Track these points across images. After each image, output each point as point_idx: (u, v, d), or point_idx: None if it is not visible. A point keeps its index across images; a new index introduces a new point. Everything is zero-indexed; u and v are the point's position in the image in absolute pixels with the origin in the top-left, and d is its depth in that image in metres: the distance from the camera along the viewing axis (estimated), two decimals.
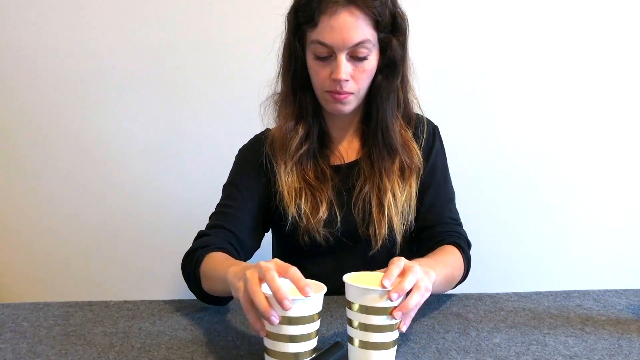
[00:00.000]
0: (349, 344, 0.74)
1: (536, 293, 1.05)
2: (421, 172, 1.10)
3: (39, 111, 1.62)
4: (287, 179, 1.06)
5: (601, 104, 1.68)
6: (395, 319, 0.71)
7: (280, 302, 0.65)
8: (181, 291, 1.71)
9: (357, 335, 0.72)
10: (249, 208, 1.07)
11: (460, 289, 1.09)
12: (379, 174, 1.07)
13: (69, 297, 1.53)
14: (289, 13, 1.03)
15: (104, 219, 1.67)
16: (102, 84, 1.61)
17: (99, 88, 1.61)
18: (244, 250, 1.05)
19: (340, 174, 1.09)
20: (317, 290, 0.70)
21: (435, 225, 1.09)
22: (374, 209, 1.05)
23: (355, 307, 0.72)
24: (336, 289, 1.05)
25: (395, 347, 0.74)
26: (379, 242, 1.04)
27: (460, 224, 1.13)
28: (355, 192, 1.07)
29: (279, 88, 1.10)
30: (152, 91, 1.62)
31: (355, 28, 0.96)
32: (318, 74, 1.01)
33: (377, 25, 0.98)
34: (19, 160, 1.64)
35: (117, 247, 1.68)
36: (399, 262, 0.75)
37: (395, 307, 0.71)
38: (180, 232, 1.68)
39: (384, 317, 0.71)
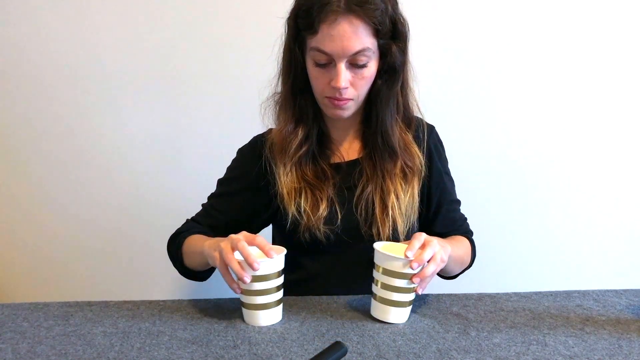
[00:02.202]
0: (372, 300, 0.91)
1: (536, 293, 1.05)
2: (423, 175, 1.11)
3: (39, 111, 1.62)
4: (286, 180, 1.06)
5: (600, 104, 1.68)
6: (414, 283, 0.87)
7: (250, 265, 0.83)
8: (181, 291, 1.71)
9: (380, 293, 0.89)
10: (233, 213, 1.13)
11: (460, 289, 1.09)
12: (382, 175, 1.07)
13: (69, 297, 1.53)
14: (289, 18, 1.02)
15: (104, 219, 1.67)
16: (102, 84, 1.61)
17: (99, 88, 1.61)
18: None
19: (341, 172, 1.10)
20: (279, 252, 0.88)
21: (450, 230, 1.16)
22: (377, 210, 1.06)
23: (382, 270, 0.88)
24: (336, 288, 1.06)
25: (410, 307, 0.91)
26: None
27: (465, 219, 1.20)
28: (357, 191, 1.08)
29: (279, 88, 1.10)
30: (152, 91, 1.62)
31: (355, 37, 0.95)
32: (317, 80, 1.01)
33: (377, 33, 0.97)
34: (19, 160, 1.64)
35: (117, 247, 1.69)
36: (420, 237, 0.89)
37: (415, 274, 0.86)
38: None
39: (405, 281, 0.87)
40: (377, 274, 0.89)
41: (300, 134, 1.07)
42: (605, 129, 1.69)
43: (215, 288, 1.69)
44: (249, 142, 1.17)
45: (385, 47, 1.00)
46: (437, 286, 1.15)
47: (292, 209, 1.05)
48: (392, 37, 1.00)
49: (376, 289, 0.90)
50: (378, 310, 0.90)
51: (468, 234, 1.18)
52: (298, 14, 0.99)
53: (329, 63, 0.98)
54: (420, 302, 1.00)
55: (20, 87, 1.61)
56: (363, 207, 1.06)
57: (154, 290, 1.71)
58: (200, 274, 1.09)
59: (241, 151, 1.17)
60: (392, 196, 1.06)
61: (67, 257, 1.69)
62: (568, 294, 1.04)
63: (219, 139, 1.63)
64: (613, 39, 1.65)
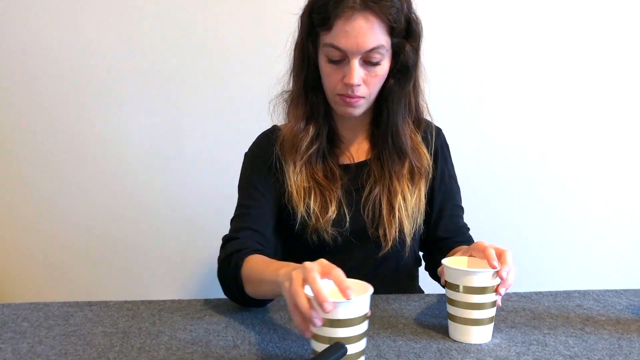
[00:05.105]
0: (449, 322, 0.83)
1: (536, 293, 1.05)
2: (430, 176, 1.11)
3: (37, 112, 1.62)
4: (296, 179, 1.05)
5: (602, 108, 1.68)
6: (501, 294, 0.80)
7: (320, 305, 0.66)
8: (181, 291, 1.71)
9: (460, 313, 0.81)
10: (269, 206, 1.07)
11: None
12: (389, 176, 1.07)
13: (69, 297, 1.53)
14: (303, 14, 1.02)
15: (105, 220, 1.67)
16: (100, 85, 1.61)
17: (97, 89, 1.61)
18: (270, 249, 1.04)
19: (349, 173, 1.09)
20: (362, 292, 0.70)
21: (454, 236, 1.13)
22: (384, 211, 1.05)
23: (462, 288, 0.80)
24: None
25: (492, 324, 0.83)
26: (389, 244, 1.04)
27: (468, 229, 1.17)
28: (365, 193, 1.07)
29: (289, 85, 1.10)
30: (151, 92, 1.62)
31: (370, 34, 0.95)
32: (330, 77, 1.01)
33: (392, 31, 0.97)
34: (18, 162, 1.64)
35: (118, 247, 1.68)
36: (490, 246, 0.83)
37: (500, 285, 0.80)
38: (180, 233, 1.68)
39: (485, 295, 0.80)
40: (455, 294, 0.81)
41: (311, 131, 1.06)
42: (605, 131, 1.70)
43: (214, 288, 1.69)
44: (258, 138, 1.15)
45: (398, 46, 1.00)
46: (437, 286, 1.15)
47: (301, 210, 1.04)
48: (406, 35, 1.00)
49: (455, 310, 0.82)
50: (458, 332, 0.83)
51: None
52: (313, 9, 0.99)
53: (342, 60, 0.98)
54: (421, 302, 1.00)
55: (17, 88, 1.60)
56: (370, 208, 1.06)
57: (154, 290, 1.71)
58: (259, 301, 0.95)
59: (253, 148, 1.15)
60: (399, 197, 1.05)
61: (67, 257, 1.68)
62: (568, 294, 1.04)
63: (218, 141, 1.63)
64: (619, 43, 1.65)
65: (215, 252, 1.01)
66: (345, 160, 1.11)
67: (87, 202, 1.66)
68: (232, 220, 1.06)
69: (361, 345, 0.70)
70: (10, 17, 1.57)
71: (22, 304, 0.97)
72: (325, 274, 0.69)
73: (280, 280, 0.75)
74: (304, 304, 0.67)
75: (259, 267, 0.89)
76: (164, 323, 0.89)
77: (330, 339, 0.68)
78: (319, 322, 0.67)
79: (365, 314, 0.69)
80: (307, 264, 0.70)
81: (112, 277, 1.69)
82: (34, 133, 1.62)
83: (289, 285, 0.70)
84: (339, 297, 0.67)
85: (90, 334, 0.85)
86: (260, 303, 0.96)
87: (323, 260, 0.72)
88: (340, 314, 0.67)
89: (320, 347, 0.69)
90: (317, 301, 0.66)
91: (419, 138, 1.11)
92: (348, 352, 0.68)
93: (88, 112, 1.62)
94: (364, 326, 0.69)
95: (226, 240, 1.01)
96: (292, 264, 0.79)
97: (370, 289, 0.70)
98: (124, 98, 1.62)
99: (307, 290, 0.68)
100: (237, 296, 0.95)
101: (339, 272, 0.69)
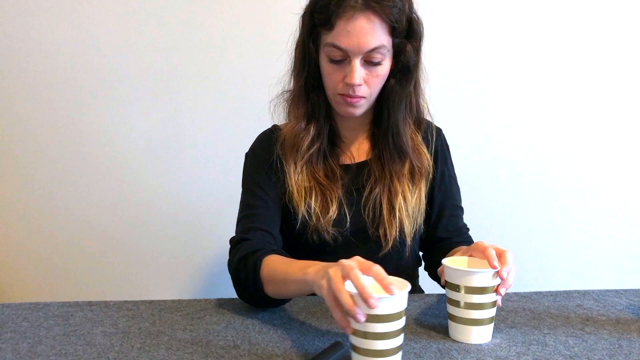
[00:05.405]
0: (450, 322, 0.83)
1: (536, 293, 1.05)
2: (430, 177, 1.11)
3: (38, 112, 1.62)
4: (297, 179, 1.05)
5: (601, 108, 1.68)
6: (501, 295, 0.81)
7: (365, 301, 0.67)
8: (181, 291, 1.71)
9: (461, 314, 0.81)
10: (274, 205, 1.06)
11: None
12: (390, 176, 1.07)
13: (69, 297, 1.53)
14: (304, 13, 1.02)
15: (104, 219, 1.67)
16: (101, 85, 1.61)
17: (98, 89, 1.61)
18: (278, 247, 1.04)
19: (350, 173, 1.10)
20: (402, 287, 0.71)
21: (454, 237, 1.12)
22: (385, 211, 1.06)
23: (465, 289, 0.80)
24: None
25: (492, 324, 0.83)
26: (390, 244, 1.04)
27: (468, 229, 1.17)
28: (365, 192, 1.07)
29: (288, 86, 1.10)
30: (152, 92, 1.62)
31: (372, 34, 0.95)
32: (331, 76, 1.01)
33: (393, 31, 0.97)
34: (19, 161, 1.64)
35: (117, 247, 1.69)
36: (490, 246, 0.83)
37: (500, 285, 0.80)
38: (180, 233, 1.68)
39: (486, 295, 0.80)
40: (455, 294, 0.81)
41: (312, 131, 1.06)
42: (605, 131, 1.69)
43: (215, 288, 1.69)
44: (258, 137, 1.15)
45: (400, 46, 1.00)
46: (437, 286, 1.15)
47: (302, 209, 1.04)
48: (407, 36, 1.00)
49: (455, 310, 0.82)
50: (458, 332, 0.83)
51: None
52: (314, 9, 0.99)
53: (343, 59, 0.98)
54: (420, 302, 1.00)
55: (18, 88, 1.61)
56: (370, 208, 1.06)
57: (154, 290, 1.71)
58: (275, 301, 0.95)
59: (254, 148, 1.15)
60: (400, 197, 1.06)
61: (67, 257, 1.69)
62: (568, 294, 1.04)
63: (219, 141, 1.63)
64: (623, 45, 1.65)
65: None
66: (345, 160, 1.11)
67: (88, 202, 1.66)
68: (240, 221, 1.06)
69: (399, 340, 0.71)
70: (12, 17, 1.57)
71: (22, 304, 0.97)
72: (365, 271, 0.70)
73: (312, 279, 0.76)
74: (347, 300, 0.68)
75: (281, 267, 0.89)
76: (164, 323, 0.89)
77: (369, 334, 0.69)
78: (362, 318, 0.68)
79: (405, 309, 0.71)
80: (344, 261, 0.72)
81: (112, 277, 1.69)
82: (34, 133, 1.63)
83: (328, 283, 0.71)
84: (378, 293, 0.69)
85: (90, 334, 0.85)
86: (277, 303, 0.96)
87: (359, 258, 0.73)
88: (383, 309, 0.68)
89: (361, 342, 0.70)
90: (362, 297, 0.67)
91: (420, 138, 1.11)
92: (387, 347, 0.70)
93: (89, 112, 1.62)
94: (402, 321, 0.71)
95: (236, 241, 1.00)
96: (319, 263, 0.79)
97: (408, 285, 0.72)
98: (125, 98, 1.62)
99: (347, 286, 0.70)
100: (254, 297, 0.94)
101: (379, 269, 0.71)
